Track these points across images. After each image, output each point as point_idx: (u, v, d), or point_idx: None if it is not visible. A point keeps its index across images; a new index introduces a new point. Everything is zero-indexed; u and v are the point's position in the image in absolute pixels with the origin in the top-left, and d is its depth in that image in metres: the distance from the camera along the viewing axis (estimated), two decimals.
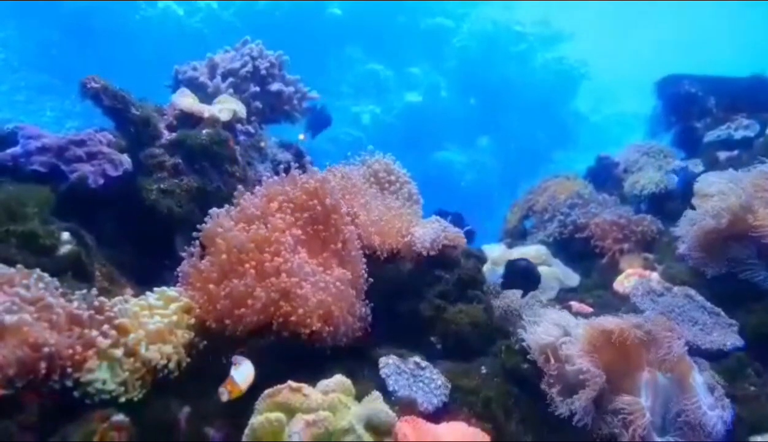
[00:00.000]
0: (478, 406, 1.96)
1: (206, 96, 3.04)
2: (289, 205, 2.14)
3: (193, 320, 1.89)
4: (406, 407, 1.83)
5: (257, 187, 2.23)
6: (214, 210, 2.10)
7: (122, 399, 1.62)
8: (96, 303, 1.71)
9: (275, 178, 2.26)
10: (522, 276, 2.37)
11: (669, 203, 3.46)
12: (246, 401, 1.62)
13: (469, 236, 4.39)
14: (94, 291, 1.76)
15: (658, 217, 3.38)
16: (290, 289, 1.87)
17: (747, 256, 2.48)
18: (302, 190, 2.18)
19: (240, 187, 2.26)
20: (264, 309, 1.87)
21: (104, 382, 1.60)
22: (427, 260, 2.37)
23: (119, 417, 1.55)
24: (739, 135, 3.82)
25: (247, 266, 1.91)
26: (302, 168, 2.33)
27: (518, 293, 2.46)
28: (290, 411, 1.51)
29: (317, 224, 2.16)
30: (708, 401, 1.77)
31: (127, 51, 12.14)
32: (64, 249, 2.01)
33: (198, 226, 2.09)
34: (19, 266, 1.68)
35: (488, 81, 14.69)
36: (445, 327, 2.28)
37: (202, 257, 2.03)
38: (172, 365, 1.75)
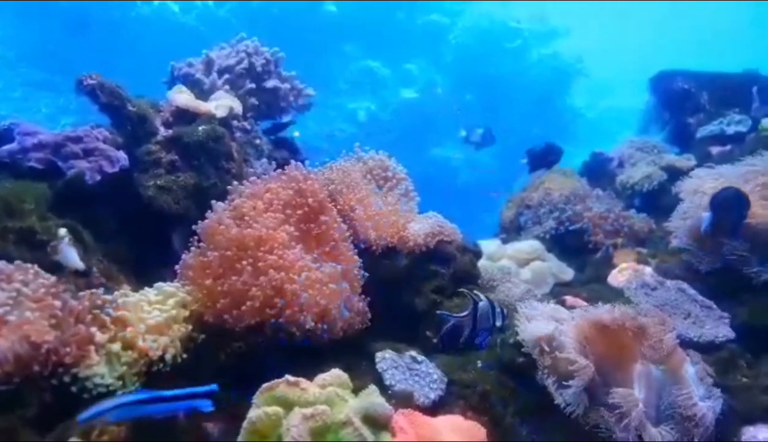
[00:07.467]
0: (475, 399, 1.97)
1: (202, 92, 3.04)
2: (279, 204, 2.15)
3: (187, 313, 1.90)
4: (402, 400, 1.84)
5: (245, 184, 2.24)
6: (217, 204, 2.11)
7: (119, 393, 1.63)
8: (98, 300, 1.73)
9: (263, 176, 2.27)
10: None
11: (663, 198, 3.49)
12: (244, 396, 1.63)
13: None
14: (101, 291, 1.78)
15: (652, 212, 3.41)
16: (282, 286, 1.89)
17: (739, 249, 2.50)
18: (288, 188, 2.19)
19: (235, 183, 2.27)
20: (261, 309, 1.89)
21: (102, 376, 1.61)
22: (422, 254, 2.38)
23: None
24: (731, 130, 3.84)
25: (244, 263, 1.93)
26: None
27: (513, 287, 2.48)
28: (288, 405, 1.51)
29: (308, 222, 2.17)
30: (700, 392, 1.80)
31: (123, 47, 12.08)
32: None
33: (197, 221, 2.10)
34: (35, 266, 1.69)
35: (484, 77, 14.68)
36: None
37: (201, 253, 2.04)
38: (168, 357, 1.76)
